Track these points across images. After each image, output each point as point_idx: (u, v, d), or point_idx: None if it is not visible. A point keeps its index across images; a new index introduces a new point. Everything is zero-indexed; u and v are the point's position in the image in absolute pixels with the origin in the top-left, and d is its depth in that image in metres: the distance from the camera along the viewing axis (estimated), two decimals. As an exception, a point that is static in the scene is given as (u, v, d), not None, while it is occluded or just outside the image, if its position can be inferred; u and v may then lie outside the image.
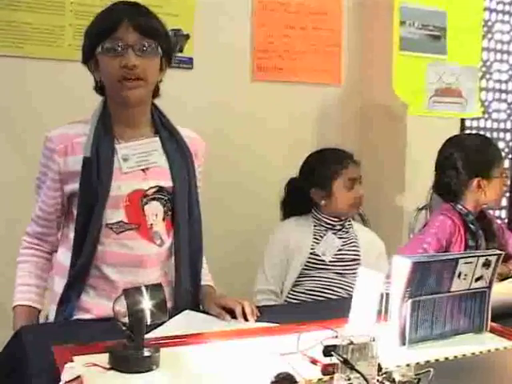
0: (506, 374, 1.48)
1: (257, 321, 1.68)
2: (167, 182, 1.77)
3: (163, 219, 1.77)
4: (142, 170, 1.75)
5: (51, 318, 1.77)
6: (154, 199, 1.76)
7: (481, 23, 3.50)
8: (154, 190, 1.75)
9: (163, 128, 1.82)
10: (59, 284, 1.76)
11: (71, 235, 1.74)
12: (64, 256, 1.77)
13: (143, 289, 1.36)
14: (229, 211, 3.10)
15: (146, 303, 1.34)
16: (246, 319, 1.68)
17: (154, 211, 1.76)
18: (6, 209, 2.69)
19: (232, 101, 3.09)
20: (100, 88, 1.78)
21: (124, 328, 1.35)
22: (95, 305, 1.72)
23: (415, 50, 3.24)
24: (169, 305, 1.77)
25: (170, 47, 1.79)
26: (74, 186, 1.72)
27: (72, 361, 1.29)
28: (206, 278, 1.90)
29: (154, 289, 1.38)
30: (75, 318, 1.72)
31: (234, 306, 1.70)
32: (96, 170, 1.68)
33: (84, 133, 1.73)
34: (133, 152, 1.74)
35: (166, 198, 1.77)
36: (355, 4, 3.38)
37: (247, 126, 3.13)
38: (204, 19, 3.00)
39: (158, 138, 1.80)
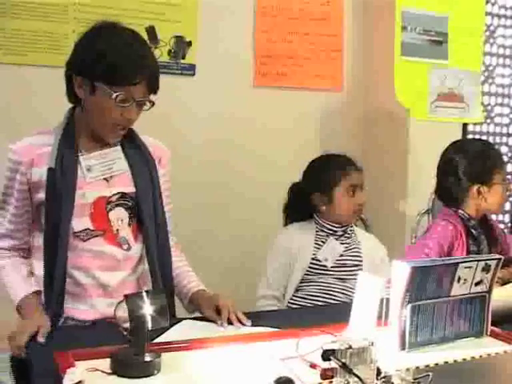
0: (506, 378, 1.48)
1: (257, 326, 1.69)
2: (130, 188, 1.82)
3: (129, 224, 1.82)
4: (105, 179, 1.79)
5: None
6: (117, 205, 1.80)
7: (482, 28, 3.50)
8: (117, 196, 1.80)
9: (124, 136, 1.85)
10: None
11: (39, 243, 1.77)
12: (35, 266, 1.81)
13: (144, 294, 1.37)
14: (232, 217, 3.11)
15: (147, 308, 1.35)
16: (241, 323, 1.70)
17: (119, 217, 1.80)
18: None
19: (234, 107, 3.11)
20: (77, 101, 1.78)
21: (125, 333, 1.36)
22: (75, 310, 1.76)
23: (417, 55, 3.25)
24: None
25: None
26: (40, 196, 1.75)
27: (74, 366, 1.30)
28: (197, 283, 1.92)
29: (155, 294, 1.39)
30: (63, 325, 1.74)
31: (224, 314, 1.72)
32: (60, 181, 1.72)
33: (49, 143, 1.76)
34: (95, 162, 1.79)
35: (130, 204, 1.82)
36: (357, 10, 3.39)
37: (249, 132, 3.14)
38: (206, 26, 3.02)
39: (119, 147, 1.84)
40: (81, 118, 1.80)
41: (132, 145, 1.86)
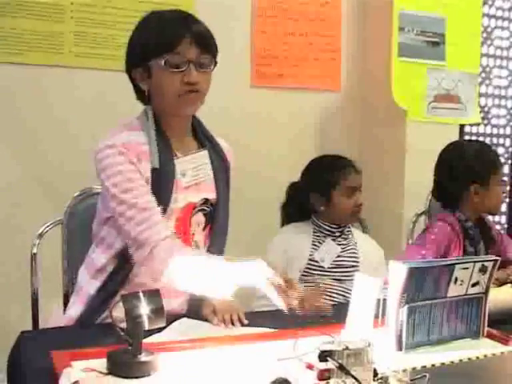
0: (502, 379, 1.49)
1: (254, 326, 1.69)
2: (212, 195, 1.81)
3: (203, 229, 1.82)
4: (195, 183, 1.77)
5: (71, 313, 1.77)
6: (199, 210, 1.79)
7: (480, 29, 3.51)
8: (202, 202, 1.79)
9: (208, 140, 1.84)
10: (88, 283, 1.76)
11: (114, 240, 1.72)
12: (99, 257, 1.76)
13: (141, 295, 1.37)
14: (230, 217, 3.11)
15: (144, 309, 1.35)
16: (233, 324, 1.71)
17: (198, 221, 1.80)
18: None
19: (232, 107, 3.11)
20: (145, 97, 1.76)
21: (122, 333, 1.36)
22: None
23: (414, 57, 3.25)
24: (182, 311, 1.80)
25: (216, 58, 1.79)
26: None
27: (70, 366, 1.30)
28: None
29: (152, 295, 1.39)
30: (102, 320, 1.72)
31: (219, 314, 1.72)
32: (161, 183, 1.68)
33: (143, 141, 1.70)
34: (188, 167, 1.76)
35: (208, 210, 1.81)
36: (354, 10, 3.40)
37: (247, 132, 3.14)
38: (204, 26, 3.01)
39: (206, 152, 1.82)
40: (163, 116, 1.74)
41: (214, 150, 1.84)
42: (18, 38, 2.73)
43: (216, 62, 1.77)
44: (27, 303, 2.03)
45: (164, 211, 1.68)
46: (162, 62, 1.66)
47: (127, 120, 1.77)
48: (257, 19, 3.19)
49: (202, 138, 1.84)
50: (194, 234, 1.79)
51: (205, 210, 1.81)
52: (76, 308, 1.77)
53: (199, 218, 1.80)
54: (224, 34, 3.09)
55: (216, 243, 1.83)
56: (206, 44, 1.71)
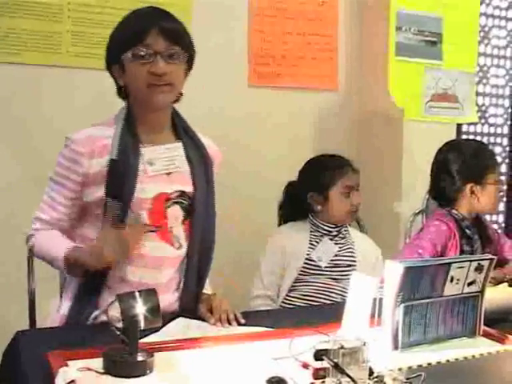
0: (498, 378, 1.49)
1: (251, 325, 1.69)
2: (188, 188, 1.81)
3: (182, 223, 1.81)
4: (167, 173, 1.78)
5: (62, 312, 1.77)
6: (175, 203, 1.79)
7: (477, 29, 3.51)
8: (177, 194, 1.79)
9: (185, 134, 1.86)
10: (73, 281, 1.77)
11: (93, 235, 1.74)
12: None
13: (137, 294, 1.37)
14: (227, 216, 3.09)
15: (140, 308, 1.36)
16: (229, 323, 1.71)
17: (175, 215, 1.79)
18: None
19: (229, 106, 3.10)
20: (123, 93, 1.80)
21: (118, 333, 1.36)
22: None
23: (411, 56, 3.25)
24: (175, 307, 1.81)
25: (193, 52, 1.82)
26: (96, 189, 1.72)
27: (66, 365, 1.30)
28: (207, 288, 1.93)
29: (148, 294, 1.39)
30: (93, 319, 1.73)
31: (215, 313, 1.73)
32: (122, 173, 1.71)
33: (109, 135, 1.74)
34: (158, 156, 1.78)
35: (186, 203, 1.81)
36: (352, 10, 3.39)
37: (244, 132, 3.14)
38: (201, 25, 3.00)
39: (181, 144, 1.84)
40: (137, 110, 1.78)
41: (192, 144, 1.86)
42: (15, 37, 2.72)
43: (191, 57, 1.80)
44: (26, 303, 2.04)
45: (130, 200, 1.70)
46: (130, 55, 1.70)
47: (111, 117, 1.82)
48: (254, 19, 3.19)
49: (181, 131, 1.86)
50: (172, 227, 1.79)
51: (182, 203, 1.81)
52: (65, 306, 1.78)
53: (176, 211, 1.79)
54: (222, 33, 3.12)
55: (195, 239, 1.83)
56: (175, 36, 1.73)
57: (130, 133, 1.75)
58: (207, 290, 1.92)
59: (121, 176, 1.70)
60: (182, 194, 1.80)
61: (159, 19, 1.73)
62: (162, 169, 1.77)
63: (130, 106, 1.80)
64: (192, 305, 1.83)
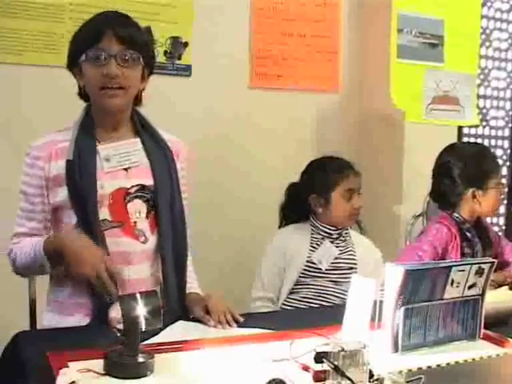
0: (498, 382, 1.49)
1: (251, 327, 1.69)
2: (148, 181, 1.82)
3: (146, 217, 1.82)
4: (124, 169, 1.80)
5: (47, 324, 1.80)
6: (136, 197, 1.81)
7: (478, 31, 3.51)
8: (136, 188, 1.81)
9: (144, 130, 1.88)
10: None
11: None
12: None
13: (138, 296, 1.37)
14: (227, 218, 3.11)
15: (141, 310, 1.36)
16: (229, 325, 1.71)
17: (137, 209, 1.81)
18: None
19: (230, 108, 3.11)
20: (84, 94, 1.84)
21: (119, 334, 1.36)
22: (77, 305, 1.76)
23: (413, 58, 3.25)
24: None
25: (151, 56, 1.85)
26: (58, 192, 1.76)
27: (67, 366, 1.30)
28: (194, 286, 1.93)
29: (149, 296, 1.39)
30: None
31: (214, 315, 1.73)
32: (79, 172, 1.73)
33: (68, 139, 1.78)
34: (114, 152, 1.80)
35: (148, 196, 1.82)
36: (353, 11, 3.39)
37: (245, 133, 3.14)
38: (202, 27, 3.02)
39: (138, 139, 1.86)
40: (95, 111, 1.82)
41: (151, 139, 1.88)
42: (16, 38, 2.72)
43: (148, 61, 1.81)
44: (26, 303, 2.04)
45: (94, 198, 1.73)
46: (85, 57, 1.73)
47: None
48: (255, 20, 3.19)
49: (139, 128, 1.87)
50: (136, 222, 1.80)
51: (144, 196, 1.82)
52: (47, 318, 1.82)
53: (137, 205, 1.81)
54: (223, 35, 3.12)
55: (164, 231, 1.83)
56: (130, 39, 1.75)
57: (87, 133, 1.79)
58: (195, 288, 1.93)
59: (79, 175, 1.73)
60: (143, 187, 1.81)
61: (115, 23, 1.75)
62: (118, 165, 1.79)
63: (88, 107, 1.84)
64: (175, 299, 1.83)
